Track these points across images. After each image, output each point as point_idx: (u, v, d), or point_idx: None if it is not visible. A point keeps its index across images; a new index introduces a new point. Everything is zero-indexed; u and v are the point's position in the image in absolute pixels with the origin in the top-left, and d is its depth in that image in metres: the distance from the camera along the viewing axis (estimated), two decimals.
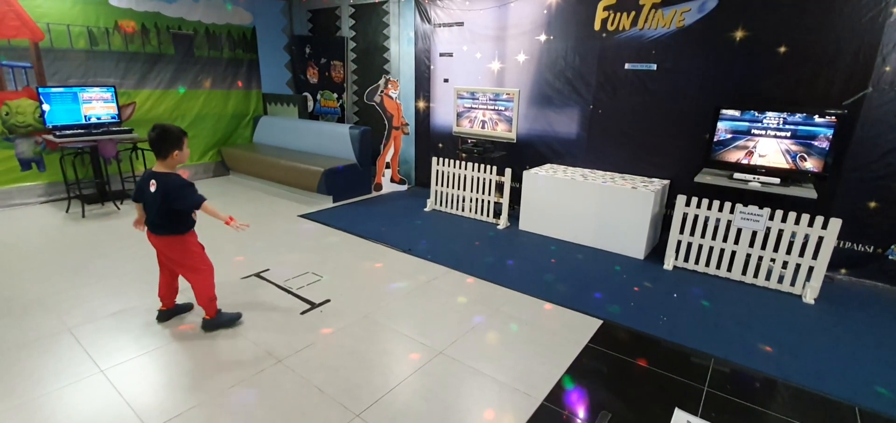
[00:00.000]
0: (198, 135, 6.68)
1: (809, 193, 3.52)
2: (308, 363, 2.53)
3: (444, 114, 6.07)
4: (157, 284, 3.32)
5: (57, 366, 2.43)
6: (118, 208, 5.16)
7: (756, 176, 3.74)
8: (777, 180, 3.65)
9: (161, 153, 2.57)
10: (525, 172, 4.78)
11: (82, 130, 5.13)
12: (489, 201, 5.12)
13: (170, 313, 2.93)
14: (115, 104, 5.40)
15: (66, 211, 5.01)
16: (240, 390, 2.31)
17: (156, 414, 2.12)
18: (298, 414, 2.16)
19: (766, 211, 3.53)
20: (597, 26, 4.58)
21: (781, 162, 3.68)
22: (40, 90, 4.93)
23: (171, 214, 2.60)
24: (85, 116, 5.22)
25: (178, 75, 6.31)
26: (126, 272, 3.57)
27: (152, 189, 2.56)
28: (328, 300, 3.24)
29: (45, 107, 4.95)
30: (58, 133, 4.97)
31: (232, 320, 2.88)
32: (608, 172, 4.75)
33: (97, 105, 5.29)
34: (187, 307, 3.03)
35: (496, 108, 5.08)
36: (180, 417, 2.11)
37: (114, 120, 5.41)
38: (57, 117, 5.04)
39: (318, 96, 7.47)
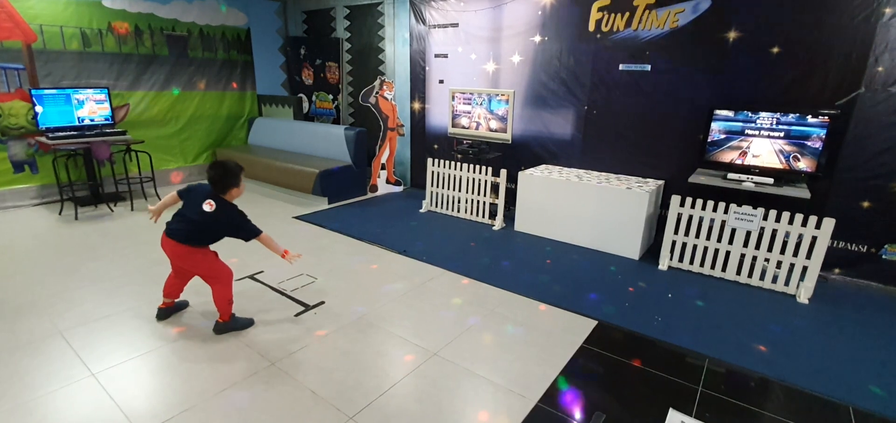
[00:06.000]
0: (192, 137, 6.65)
1: (803, 192, 3.53)
2: (302, 366, 2.52)
3: (439, 115, 6.06)
4: (149, 287, 3.31)
5: (48, 369, 2.41)
6: (111, 211, 5.13)
7: (750, 176, 3.75)
8: (771, 180, 3.66)
9: (220, 190, 2.63)
10: (520, 173, 4.78)
11: (75, 132, 5.09)
12: (485, 202, 5.12)
13: (170, 311, 2.94)
14: (108, 106, 5.37)
15: (59, 213, 4.97)
16: (232, 392, 2.29)
17: (147, 418, 2.10)
18: (292, 417, 2.14)
19: (760, 211, 3.54)
20: (591, 27, 4.59)
21: (775, 162, 3.69)
22: (33, 92, 4.90)
23: (212, 235, 2.67)
24: (78, 118, 5.19)
25: (173, 77, 6.28)
26: (119, 275, 3.54)
27: (208, 209, 2.58)
28: (322, 302, 3.23)
29: (38, 109, 4.92)
30: (51, 135, 4.94)
31: (245, 325, 2.87)
32: (603, 173, 4.76)
33: (90, 107, 5.26)
34: (184, 305, 3.04)
35: (491, 109, 5.08)
36: (172, 420, 2.09)
37: (107, 122, 5.38)
38: (50, 119, 5.01)
39: (314, 98, 7.45)
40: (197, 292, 3.10)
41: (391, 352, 2.69)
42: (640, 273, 3.88)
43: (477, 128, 5.24)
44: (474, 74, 5.56)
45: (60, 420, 2.08)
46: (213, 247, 2.78)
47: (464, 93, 5.25)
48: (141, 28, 5.88)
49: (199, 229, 2.62)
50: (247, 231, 2.68)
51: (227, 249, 4.16)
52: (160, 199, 2.82)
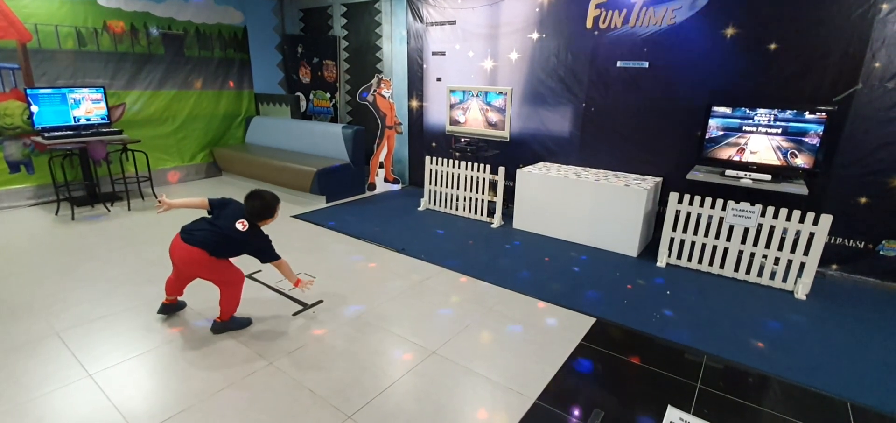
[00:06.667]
0: (189, 136, 6.62)
1: (800, 189, 3.53)
2: (300, 365, 2.51)
3: (437, 113, 6.05)
4: (146, 287, 3.29)
5: (45, 370, 2.40)
6: (108, 211, 5.11)
7: (747, 173, 3.75)
8: (768, 177, 3.66)
9: (257, 219, 2.71)
10: (518, 171, 4.77)
11: (71, 132, 5.06)
12: (483, 200, 5.11)
13: (173, 308, 2.93)
14: (104, 105, 5.35)
15: (56, 214, 4.95)
16: (230, 392, 2.28)
17: (145, 418, 2.09)
18: (290, 416, 2.14)
19: (758, 208, 3.55)
20: (589, 24, 4.58)
21: (773, 159, 3.69)
22: (28, 91, 4.87)
23: (235, 250, 2.69)
24: (74, 118, 5.16)
25: (169, 76, 6.25)
26: (115, 275, 3.53)
27: (241, 228, 2.63)
28: (320, 301, 3.22)
29: (34, 108, 4.89)
30: (46, 135, 4.91)
31: (243, 325, 2.86)
32: (601, 170, 4.75)
33: (86, 106, 5.24)
34: (183, 305, 3.03)
35: (489, 106, 5.07)
36: (170, 420, 2.08)
37: (103, 121, 5.35)
38: (45, 119, 4.98)
39: (311, 96, 7.43)
40: (194, 291, 3.08)
41: (389, 351, 2.69)
42: (639, 270, 3.88)
43: (475, 125, 5.23)
44: (472, 72, 5.54)
45: (58, 421, 2.07)
46: None
47: (462, 90, 5.24)
48: (137, 27, 5.85)
49: (226, 243, 2.63)
50: (267, 255, 2.73)
51: None
52: (157, 197, 2.81)
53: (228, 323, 2.79)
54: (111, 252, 3.95)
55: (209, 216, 2.73)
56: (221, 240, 2.61)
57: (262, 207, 2.71)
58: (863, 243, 3.72)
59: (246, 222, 2.65)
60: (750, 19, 3.78)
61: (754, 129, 3.71)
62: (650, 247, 4.35)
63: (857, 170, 3.60)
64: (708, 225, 3.82)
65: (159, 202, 2.77)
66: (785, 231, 3.52)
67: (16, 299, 3.13)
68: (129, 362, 2.50)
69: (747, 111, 3.71)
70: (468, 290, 3.47)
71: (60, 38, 5.27)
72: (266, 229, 2.80)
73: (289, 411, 2.17)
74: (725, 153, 3.86)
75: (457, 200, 5.32)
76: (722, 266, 3.80)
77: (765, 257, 3.63)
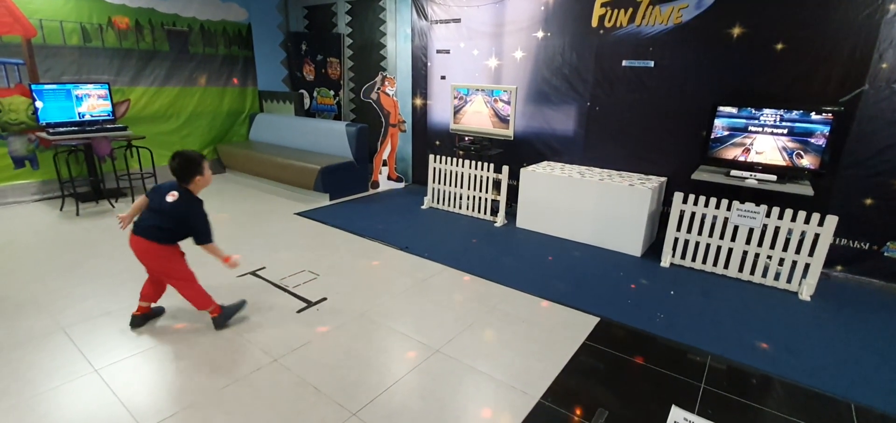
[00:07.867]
0: (193, 133, 6.64)
1: (806, 190, 3.52)
2: (304, 362, 2.52)
3: (441, 111, 6.05)
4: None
5: (50, 366, 2.41)
6: (113, 207, 5.12)
7: (753, 173, 3.74)
8: (774, 177, 3.65)
9: (184, 179, 2.63)
10: (522, 170, 4.77)
11: (76, 128, 5.08)
12: (486, 199, 5.11)
13: (147, 317, 2.85)
14: (109, 101, 5.36)
15: (61, 209, 4.97)
16: (235, 388, 2.29)
17: (150, 413, 2.10)
18: (294, 413, 2.14)
19: (763, 208, 3.54)
20: (594, 23, 4.57)
21: (778, 159, 3.68)
22: (33, 87, 4.89)
23: (174, 230, 2.63)
24: (79, 114, 5.18)
25: (173, 72, 6.26)
26: (120, 271, 3.54)
27: (171, 200, 2.59)
28: (324, 299, 3.23)
29: (39, 104, 4.91)
30: (51, 131, 4.93)
31: (238, 307, 2.89)
32: (605, 170, 4.74)
33: (91, 102, 5.25)
34: (160, 311, 2.96)
35: (493, 105, 5.06)
36: (175, 416, 2.09)
37: (108, 117, 5.37)
38: (50, 115, 5.00)
39: (315, 93, 7.44)
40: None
41: (393, 349, 2.69)
42: (643, 270, 3.87)
43: (479, 124, 5.22)
44: (476, 70, 5.54)
45: (63, 417, 2.08)
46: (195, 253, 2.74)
47: (466, 88, 5.23)
48: (141, 23, 5.86)
49: (165, 222, 2.59)
50: (201, 234, 2.65)
51: (230, 246, 4.13)
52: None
53: (224, 314, 2.81)
54: (115, 248, 3.97)
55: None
56: (160, 219, 2.59)
57: (185, 163, 2.60)
58: (868, 245, 3.70)
59: (176, 193, 2.60)
60: (756, 19, 3.76)
61: (760, 129, 3.70)
62: (654, 247, 4.34)
63: (863, 171, 3.59)
64: (712, 225, 3.81)
65: (120, 220, 2.74)
66: (790, 232, 3.51)
67: (21, 295, 3.14)
68: (135, 357, 2.51)
69: (753, 111, 3.70)
70: (471, 288, 3.47)
71: (65, 34, 5.28)
72: (203, 194, 2.71)
73: (293, 408, 2.18)
74: (731, 153, 3.85)
75: (460, 198, 5.32)
76: (726, 267, 3.79)
77: (769, 257, 3.62)
